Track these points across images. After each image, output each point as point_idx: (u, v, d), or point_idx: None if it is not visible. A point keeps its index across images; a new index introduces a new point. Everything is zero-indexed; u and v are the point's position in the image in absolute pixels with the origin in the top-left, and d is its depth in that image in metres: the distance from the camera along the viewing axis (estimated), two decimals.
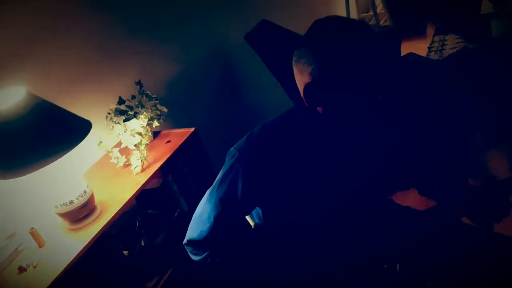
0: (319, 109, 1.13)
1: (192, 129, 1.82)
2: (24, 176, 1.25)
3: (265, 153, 1.18)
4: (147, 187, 1.80)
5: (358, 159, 1.23)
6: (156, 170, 1.63)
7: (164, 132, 1.89)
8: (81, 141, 1.33)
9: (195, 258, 1.26)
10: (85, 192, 1.44)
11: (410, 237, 1.24)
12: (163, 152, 1.73)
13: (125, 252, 1.65)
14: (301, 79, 1.11)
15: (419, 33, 4.43)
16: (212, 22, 2.55)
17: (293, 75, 1.15)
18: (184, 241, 1.27)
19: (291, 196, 1.20)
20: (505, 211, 1.22)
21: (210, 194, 1.23)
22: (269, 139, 1.19)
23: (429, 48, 4.02)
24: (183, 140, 1.77)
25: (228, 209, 1.19)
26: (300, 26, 2.93)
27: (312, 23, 1.12)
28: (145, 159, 1.63)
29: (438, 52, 3.86)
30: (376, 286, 1.24)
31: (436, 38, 4.13)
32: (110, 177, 1.68)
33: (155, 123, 1.75)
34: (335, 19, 1.11)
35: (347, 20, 1.11)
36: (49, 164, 1.26)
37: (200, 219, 1.23)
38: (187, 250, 1.28)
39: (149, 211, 1.84)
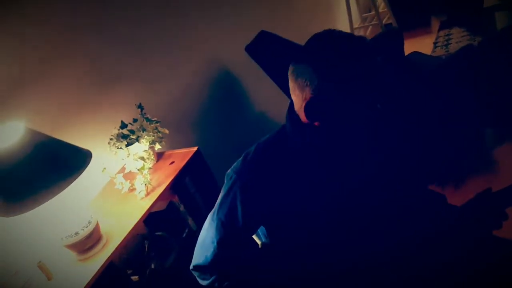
0: (317, 123, 1.12)
1: (195, 148, 1.82)
2: (29, 212, 1.26)
3: (262, 173, 1.16)
4: (153, 210, 1.80)
5: (358, 160, 1.21)
6: (161, 194, 1.63)
7: (168, 153, 1.89)
8: (81, 172, 1.33)
9: (203, 282, 1.25)
10: (89, 222, 1.44)
11: (410, 237, 1.22)
12: (167, 174, 1.72)
13: (135, 278, 1.65)
14: (300, 95, 1.10)
15: (424, 29, 4.38)
16: (210, 36, 2.55)
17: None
18: (191, 267, 1.27)
19: (293, 210, 1.19)
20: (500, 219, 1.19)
21: (212, 218, 1.22)
22: (265, 158, 1.18)
23: (435, 43, 3.96)
24: (186, 160, 1.77)
25: (230, 232, 1.18)
26: (300, 34, 2.92)
27: (310, 38, 1.10)
28: (148, 183, 1.63)
29: (444, 47, 3.80)
30: (376, 286, 1.22)
31: (441, 33, 4.07)
32: (115, 203, 1.68)
33: (157, 146, 1.74)
34: (333, 33, 1.09)
35: (345, 34, 1.09)
36: (52, 198, 1.27)
37: (204, 244, 1.23)
38: (195, 275, 1.27)
39: (157, 233, 1.83)
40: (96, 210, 1.66)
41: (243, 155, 1.22)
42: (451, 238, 1.22)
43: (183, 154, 1.82)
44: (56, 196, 1.28)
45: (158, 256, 1.76)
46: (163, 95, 2.19)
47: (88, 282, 1.34)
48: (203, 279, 1.24)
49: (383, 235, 1.22)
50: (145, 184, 1.62)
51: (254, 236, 1.42)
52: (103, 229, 1.52)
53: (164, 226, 1.83)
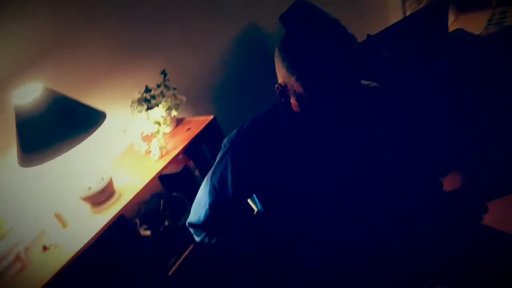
0: (294, 106, 1.14)
1: (211, 117, 1.88)
2: (54, 166, 1.40)
3: (254, 145, 1.21)
4: (171, 172, 1.91)
5: (358, 155, 1.22)
6: (174, 157, 1.72)
7: (187, 119, 1.97)
8: (95, 129, 1.44)
9: (196, 238, 1.35)
10: (103, 179, 1.56)
11: (417, 232, 1.23)
12: (182, 140, 1.81)
13: (147, 233, 1.77)
14: (278, 75, 1.13)
15: (482, 5, 4.12)
16: (241, 4, 2.51)
17: None
18: (186, 223, 1.37)
19: (283, 191, 1.23)
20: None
21: (206, 181, 1.30)
22: (258, 131, 1.22)
23: (489, 20, 3.73)
24: (201, 128, 1.84)
25: (221, 198, 1.25)
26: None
27: (293, 21, 1.12)
28: (163, 147, 1.73)
29: (497, 25, 3.58)
30: (378, 285, 1.25)
31: (497, 10, 3.82)
32: (133, 163, 1.80)
33: (173, 112, 1.83)
34: (315, 19, 1.11)
35: (326, 21, 1.11)
36: (66, 151, 1.38)
37: (199, 205, 1.31)
38: (190, 231, 1.37)
39: (174, 194, 1.95)
40: (114, 168, 1.78)
41: (239, 126, 1.27)
42: (450, 233, 1.22)
43: (200, 122, 1.89)
44: (79, 153, 1.41)
45: (172, 215, 1.87)
46: (188, 64, 2.24)
47: (97, 232, 1.47)
48: (197, 235, 1.34)
49: (388, 230, 1.24)
50: (160, 148, 1.72)
51: (250, 201, 1.48)
52: (117, 185, 1.64)
53: (180, 189, 1.94)
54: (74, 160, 1.53)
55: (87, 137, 1.41)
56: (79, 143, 1.40)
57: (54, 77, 1.66)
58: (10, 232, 1.48)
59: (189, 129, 1.87)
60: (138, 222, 1.83)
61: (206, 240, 1.31)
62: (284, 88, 1.12)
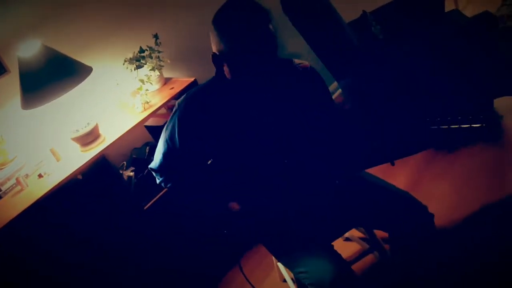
0: (226, 73, 1.35)
1: (192, 79, 2.15)
2: (52, 111, 1.75)
3: (196, 106, 1.44)
4: (158, 124, 2.20)
5: (260, 123, 1.43)
6: (154, 110, 2.01)
7: (173, 79, 2.25)
8: (83, 79, 1.75)
9: (157, 181, 1.63)
10: (88, 124, 1.89)
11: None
12: (165, 96, 2.09)
13: (130, 174, 2.09)
14: (213, 46, 1.33)
15: None
16: None
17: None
18: (148, 167, 1.65)
19: (221, 137, 1.45)
20: None
21: (162, 133, 1.55)
22: (199, 95, 1.45)
23: (504, 0, 3.72)
24: (183, 87, 2.11)
25: (171, 149, 1.51)
26: None
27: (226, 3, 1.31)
28: (145, 102, 2.02)
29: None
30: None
31: None
32: (120, 114, 2.10)
33: (156, 72, 2.11)
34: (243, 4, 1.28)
35: (252, 7, 1.27)
36: (58, 96, 1.69)
37: (157, 153, 1.58)
38: (153, 174, 1.66)
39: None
40: (103, 116, 2.09)
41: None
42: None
43: (183, 83, 2.16)
44: (74, 101, 1.75)
45: None
46: (180, 30, 2.46)
47: (82, 166, 1.81)
48: (157, 178, 1.62)
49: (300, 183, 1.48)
50: (142, 102, 2.01)
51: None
52: (103, 130, 1.96)
53: None
54: (69, 107, 1.86)
55: (75, 85, 1.72)
56: (69, 90, 1.71)
57: (53, 37, 1.94)
58: (13, 161, 1.84)
59: (172, 88, 2.15)
60: (125, 164, 2.15)
61: (163, 184, 1.60)
62: (217, 56, 1.33)
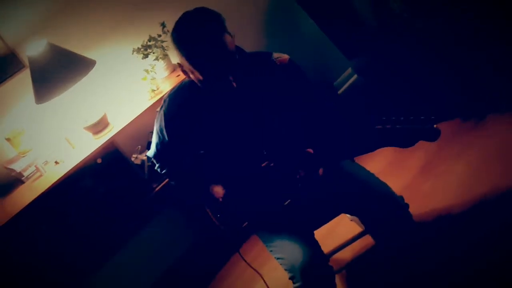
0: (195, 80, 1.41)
1: None
2: (65, 102, 1.94)
3: (176, 104, 1.52)
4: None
5: (238, 120, 1.49)
6: (160, 98, 2.12)
7: None
8: (87, 73, 1.88)
9: (155, 166, 1.74)
10: (97, 114, 2.03)
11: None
12: (171, 83, 2.20)
13: (144, 157, 2.21)
14: (177, 57, 1.38)
15: None
16: None
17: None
18: (147, 155, 1.76)
19: (201, 134, 1.53)
20: None
21: (155, 124, 1.63)
22: (179, 94, 1.53)
23: None
24: None
25: (162, 140, 1.60)
26: None
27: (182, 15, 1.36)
28: (152, 90, 2.13)
29: None
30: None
31: None
32: (130, 102, 2.21)
33: (161, 62, 2.21)
34: (198, 16, 1.34)
35: (206, 18, 1.33)
36: (69, 88, 1.83)
37: (152, 142, 1.69)
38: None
39: None
40: (114, 105, 2.22)
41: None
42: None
43: None
44: (84, 93, 1.93)
45: None
46: None
47: (94, 151, 1.97)
48: (155, 164, 1.74)
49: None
50: (148, 90, 2.12)
51: None
52: (114, 118, 2.09)
53: None
54: (80, 98, 2.01)
55: (80, 78, 1.86)
56: (75, 83, 1.85)
57: (62, 34, 2.07)
58: (33, 150, 2.02)
59: (178, 75, 2.25)
60: (139, 148, 2.28)
61: (159, 169, 1.71)
62: (182, 67, 1.40)
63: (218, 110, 1.47)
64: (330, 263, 1.56)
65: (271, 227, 1.57)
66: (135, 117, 2.06)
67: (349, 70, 3.19)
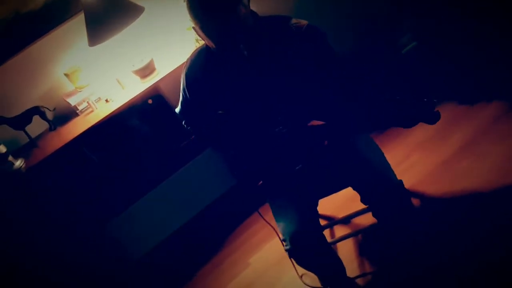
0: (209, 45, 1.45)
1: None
2: (119, 46, 2.09)
3: (198, 65, 1.59)
4: None
5: (251, 88, 1.51)
6: None
7: None
8: (137, 17, 1.99)
9: (182, 123, 1.85)
10: (142, 60, 2.16)
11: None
12: None
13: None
14: (191, 21, 1.41)
15: None
16: None
17: None
18: (174, 111, 1.86)
19: (218, 95, 1.58)
20: None
21: (181, 82, 1.71)
22: (196, 58, 1.59)
23: None
24: None
25: (185, 98, 1.69)
26: None
27: None
28: (196, 40, 2.21)
29: None
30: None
31: None
32: (176, 50, 2.31)
33: None
34: None
35: None
36: (119, 32, 1.96)
37: (179, 101, 1.78)
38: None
39: None
40: (159, 51, 2.32)
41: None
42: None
43: None
44: (135, 38, 2.06)
45: None
46: None
47: (141, 93, 2.13)
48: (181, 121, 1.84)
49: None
50: (194, 40, 2.21)
51: None
52: (158, 65, 2.22)
53: None
54: (131, 43, 2.16)
55: (130, 23, 1.97)
56: (124, 27, 1.97)
57: None
58: (87, 87, 2.22)
59: None
60: None
61: (185, 126, 1.82)
62: (196, 30, 1.43)
63: (232, 75, 1.52)
64: (333, 232, 1.62)
65: (278, 190, 1.64)
66: (179, 65, 2.16)
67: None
